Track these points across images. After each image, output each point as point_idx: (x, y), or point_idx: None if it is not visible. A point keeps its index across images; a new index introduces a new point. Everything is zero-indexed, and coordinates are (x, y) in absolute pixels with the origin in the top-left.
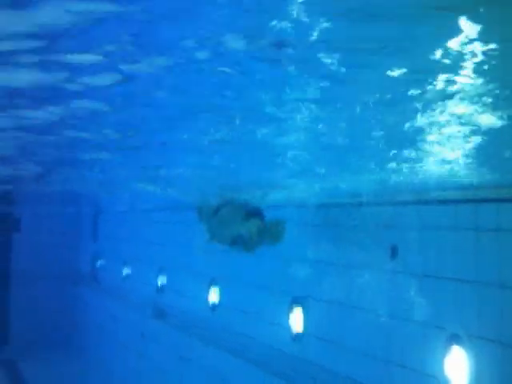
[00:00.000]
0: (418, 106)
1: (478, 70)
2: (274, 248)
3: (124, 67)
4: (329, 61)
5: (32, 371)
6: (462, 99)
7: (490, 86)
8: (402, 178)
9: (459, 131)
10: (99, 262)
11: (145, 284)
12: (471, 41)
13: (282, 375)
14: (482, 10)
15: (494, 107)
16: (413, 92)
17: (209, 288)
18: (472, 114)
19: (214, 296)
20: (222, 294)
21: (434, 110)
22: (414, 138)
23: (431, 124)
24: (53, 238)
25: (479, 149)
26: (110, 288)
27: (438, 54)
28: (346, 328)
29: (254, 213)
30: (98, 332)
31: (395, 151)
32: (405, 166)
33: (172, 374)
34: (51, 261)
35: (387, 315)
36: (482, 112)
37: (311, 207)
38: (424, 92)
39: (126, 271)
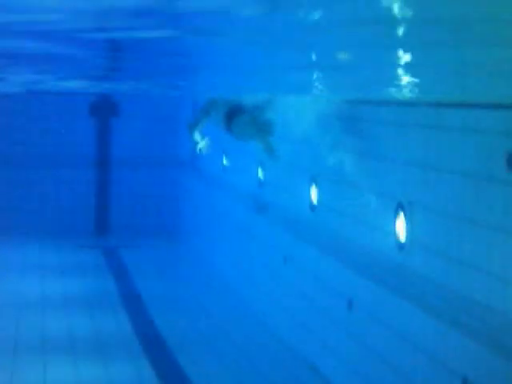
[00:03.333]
0: None
1: None
2: (376, 148)
3: None
4: None
5: (133, 259)
6: None
7: None
8: None
9: None
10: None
11: (245, 176)
12: None
13: (383, 282)
14: None
15: None
16: None
17: (309, 186)
18: None
19: (314, 195)
20: (322, 193)
21: None
22: None
23: None
24: (152, 123)
25: None
26: (210, 177)
27: None
28: (454, 239)
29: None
30: (198, 221)
31: None
32: None
33: (273, 271)
34: (151, 147)
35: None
36: None
37: (418, 105)
38: None
39: (225, 161)
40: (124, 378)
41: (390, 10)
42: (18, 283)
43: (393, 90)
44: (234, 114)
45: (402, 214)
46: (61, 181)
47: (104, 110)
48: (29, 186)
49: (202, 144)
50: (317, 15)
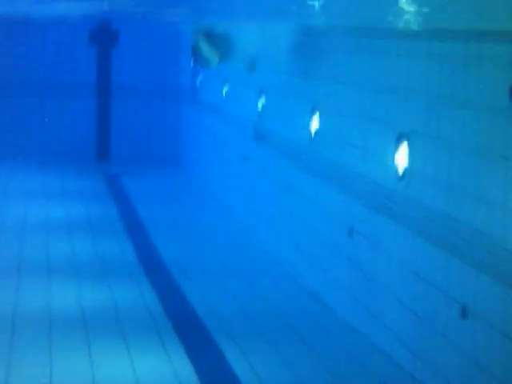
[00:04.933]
0: None
1: None
2: (376, 78)
3: None
4: None
5: (134, 185)
6: None
7: None
8: None
9: None
10: (199, 80)
11: (245, 105)
12: None
13: (384, 210)
14: None
15: None
16: None
17: (310, 115)
18: None
19: (315, 124)
20: (322, 122)
21: None
22: None
23: None
24: (152, 53)
25: None
26: (211, 107)
27: None
28: (454, 168)
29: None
30: (198, 150)
31: None
32: None
33: (271, 197)
34: (151, 76)
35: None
36: None
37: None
38: None
39: (226, 90)
40: (126, 300)
41: None
42: (21, 208)
43: (399, 20)
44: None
45: (404, 144)
46: (62, 109)
47: (104, 38)
48: (29, 114)
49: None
50: None
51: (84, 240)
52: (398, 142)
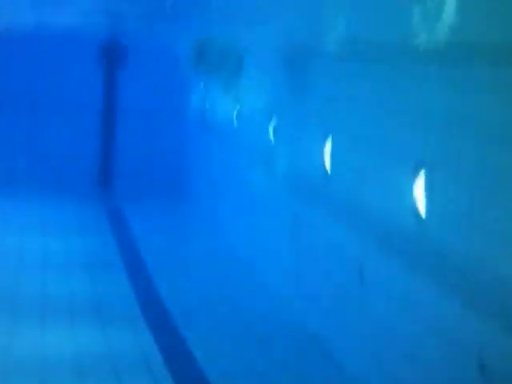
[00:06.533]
0: None
1: None
2: (394, 103)
3: None
4: None
5: (137, 216)
6: None
7: None
8: None
9: None
10: (208, 102)
11: (255, 130)
12: None
13: (401, 253)
14: None
15: None
16: None
17: (323, 142)
18: None
19: (327, 153)
20: (334, 151)
21: None
22: None
23: None
24: (160, 74)
25: None
26: (220, 132)
27: None
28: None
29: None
30: (204, 178)
31: None
32: None
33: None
34: (158, 99)
35: None
36: None
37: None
38: None
39: (236, 113)
40: (122, 343)
41: None
42: (17, 241)
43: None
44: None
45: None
46: (65, 128)
47: (112, 54)
48: (31, 133)
49: None
50: None
51: (81, 278)
52: (415, 175)
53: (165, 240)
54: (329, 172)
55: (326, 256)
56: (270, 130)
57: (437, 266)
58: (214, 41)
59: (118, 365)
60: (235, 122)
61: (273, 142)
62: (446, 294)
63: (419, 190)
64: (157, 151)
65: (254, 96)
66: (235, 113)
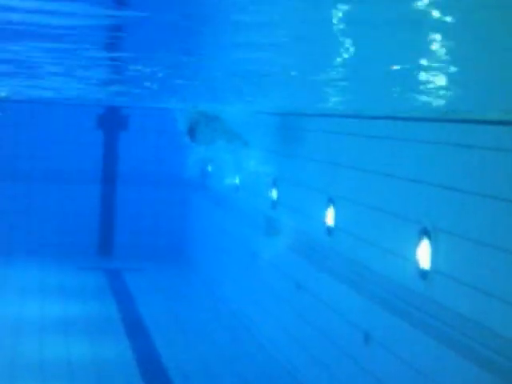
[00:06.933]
0: None
1: None
2: (398, 167)
3: None
4: None
5: (137, 281)
6: None
7: None
8: None
9: None
10: (208, 168)
11: (257, 196)
12: None
13: (405, 315)
14: None
15: None
16: None
17: (326, 208)
18: None
19: (330, 217)
20: (338, 216)
21: None
22: None
23: None
24: (161, 138)
25: None
26: (220, 196)
27: None
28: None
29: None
30: (205, 242)
31: None
32: None
33: (286, 299)
34: (159, 163)
35: None
36: None
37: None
38: None
39: (238, 180)
40: None
41: None
42: (17, 304)
43: (424, 101)
44: (197, 123)
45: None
46: (65, 197)
47: (112, 123)
48: (31, 202)
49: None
50: None
51: (81, 343)
52: (420, 238)
53: (165, 304)
54: (332, 235)
55: (329, 318)
56: (273, 193)
57: (441, 326)
58: (211, 110)
59: None
60: (236, 186)
61: (275, 205)
62: (452, 354)
63: (423, 253)
64: (157, 216)
65: (255, 161)
66: (237, 178)
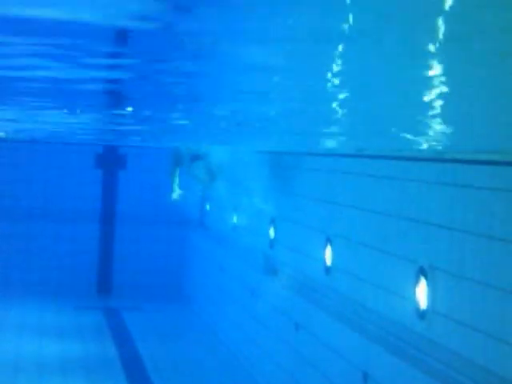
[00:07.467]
0: None
1: None
2: (396, 206)
3: None
4: None
5: (136, 321)
6: None
7: None
8: None
9: None
10: (208, 207)
11: (255, 235)
12: None
13: (405, 356)
14: None
15: None
16: None
17: (324, 247)
18: None
19: (328, 256)
20: (336, 255)
21: None
22: None
23: None
24: (160, 177)
25: None
26: (219, 236)
27: None
28: (479, 308)
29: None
30: (204, 281)
31: None
32: None
33: (284, 339)
34: (157, 202)
35: None
36: None
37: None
38: None
39: (235, 219)
40: None
41: None
42: (15, 343)
43: (421, 143)
44: (193, 160)
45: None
46: (63, 236)
47: (110, 162)
48: (29, 241)
49: (176, 193)
50: None
51: (79, 383)
52: (417, 277)
53: (164, 343)
54: (330, 274)
55: (328, 357)
56: (270, 232)
57: (439, 366)
58: (196, 149)
59: None
60: (234, 225)
61: (272, 244)
62: None
63: (422, 292)
64: (156, 255)
65: (253, 200)
66: (234, 217)
